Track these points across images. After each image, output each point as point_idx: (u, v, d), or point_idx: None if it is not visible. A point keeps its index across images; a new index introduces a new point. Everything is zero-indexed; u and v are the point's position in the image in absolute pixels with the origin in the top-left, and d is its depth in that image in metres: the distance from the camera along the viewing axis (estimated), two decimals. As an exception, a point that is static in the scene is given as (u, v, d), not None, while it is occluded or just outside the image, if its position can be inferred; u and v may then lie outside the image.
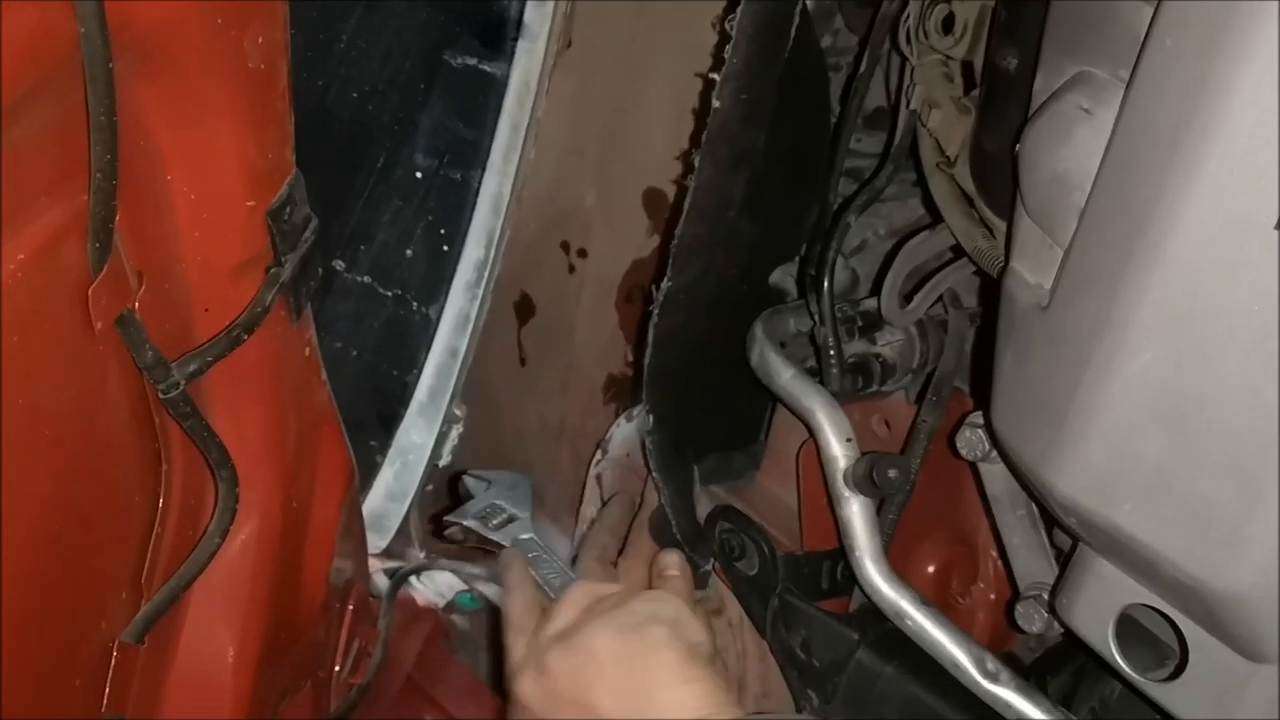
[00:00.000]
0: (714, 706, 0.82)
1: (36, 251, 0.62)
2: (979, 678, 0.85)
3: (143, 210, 0.72)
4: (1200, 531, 0.62)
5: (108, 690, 0.78)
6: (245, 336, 0.79)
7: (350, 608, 1.19)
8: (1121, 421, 0.64)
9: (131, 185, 0.68)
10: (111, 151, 0.62)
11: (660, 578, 0.99)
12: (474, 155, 1.22)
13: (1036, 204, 0.71)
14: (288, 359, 0.89)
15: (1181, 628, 0.68)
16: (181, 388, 0.75)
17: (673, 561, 1.00)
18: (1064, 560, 0.81)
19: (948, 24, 0.86)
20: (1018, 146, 0.72)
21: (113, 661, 0.78)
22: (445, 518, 1.13)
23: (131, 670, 0.81)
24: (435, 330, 1.31)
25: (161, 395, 0.75)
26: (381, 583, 1.42)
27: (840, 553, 0.93)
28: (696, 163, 0.92)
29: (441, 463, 1.42)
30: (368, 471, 1.39)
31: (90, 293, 0.66)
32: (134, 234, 0.72)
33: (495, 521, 1.10)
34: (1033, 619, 0.88)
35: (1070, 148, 0.67)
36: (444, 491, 1.47)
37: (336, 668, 1.19)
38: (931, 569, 1.05)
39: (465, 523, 1.09)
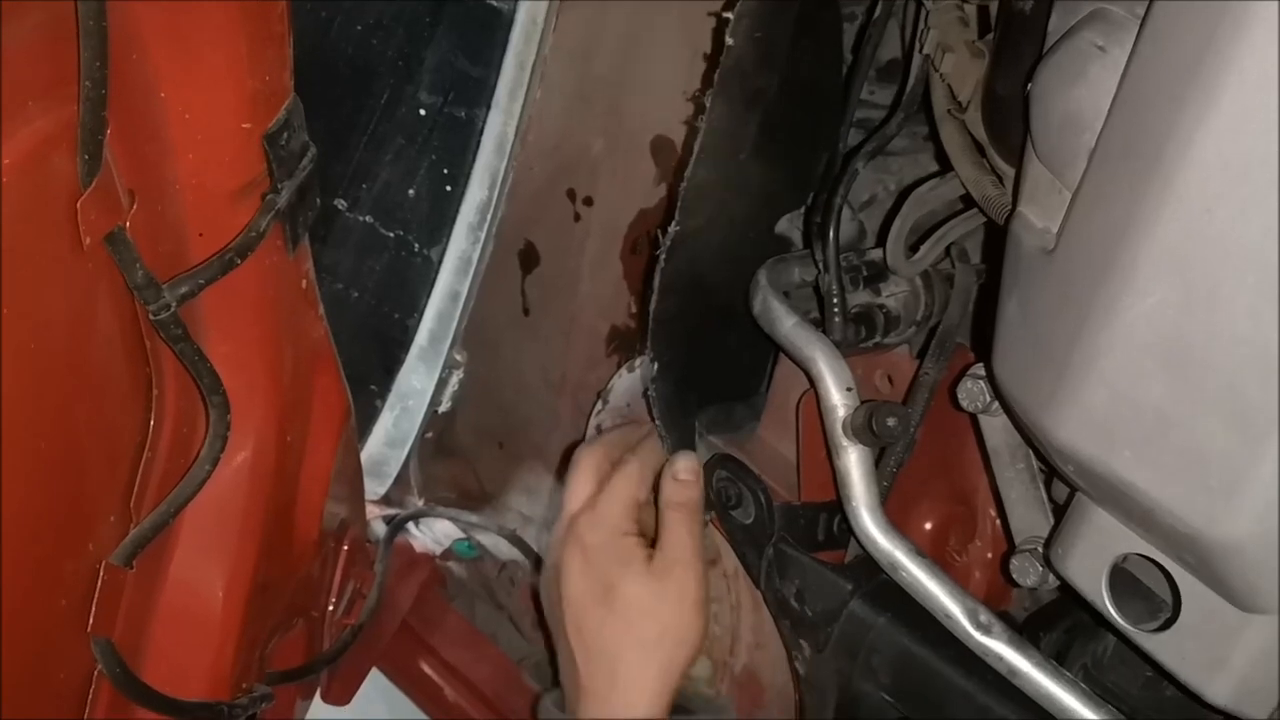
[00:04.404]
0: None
1: (24, 158, 0.61)
2: (971, 630, 0.84)
3: (136, 128, 0.71)
4: (1199, 480, 0.61)
5: (94, 611, 0.78)
6: (238, 261, 0.78)
7: (345, 548, 1.19)
8: (1124, 366, 0.63)
9: (124, 102, 0.67)
10: (101, 59, 0.61)
11: (675, 481, 0.99)
12: (479, 93, 1.20)
13: (1047, 145, 0.70)
14: (283, 289, 0.89)
15: (1175, 578, 0.67)
16: (173, 310, 0.74)
17: (690, 466, 1.00)
18: (1060, 514, 0.81)
19: (964, -35, 0.84)
20: (1029, 86, 0.71)
21: (100, 583, 0.78)
22: None
23: (119, 593, 0.81)
24: (437, 273, 1.30)
25: (152, 317, 0.74)
26: (379, 529, 1.42)
27: (837, 506, 0.93)
28: (708, 103, 0.91)
29: (441, 409, 1.42)
30: (367, 416, 1.38)
31: (79, 205, 0.65)
32: (127, 152, 0.71)
33: None
34: (1027, 572, 0.87)
35: (1083, 86, 0.65)
36: (443, 439, 1.47)
37: (330, 607, 1.20)
38: (929, 526, 1.04)
39: None
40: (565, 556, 0.94)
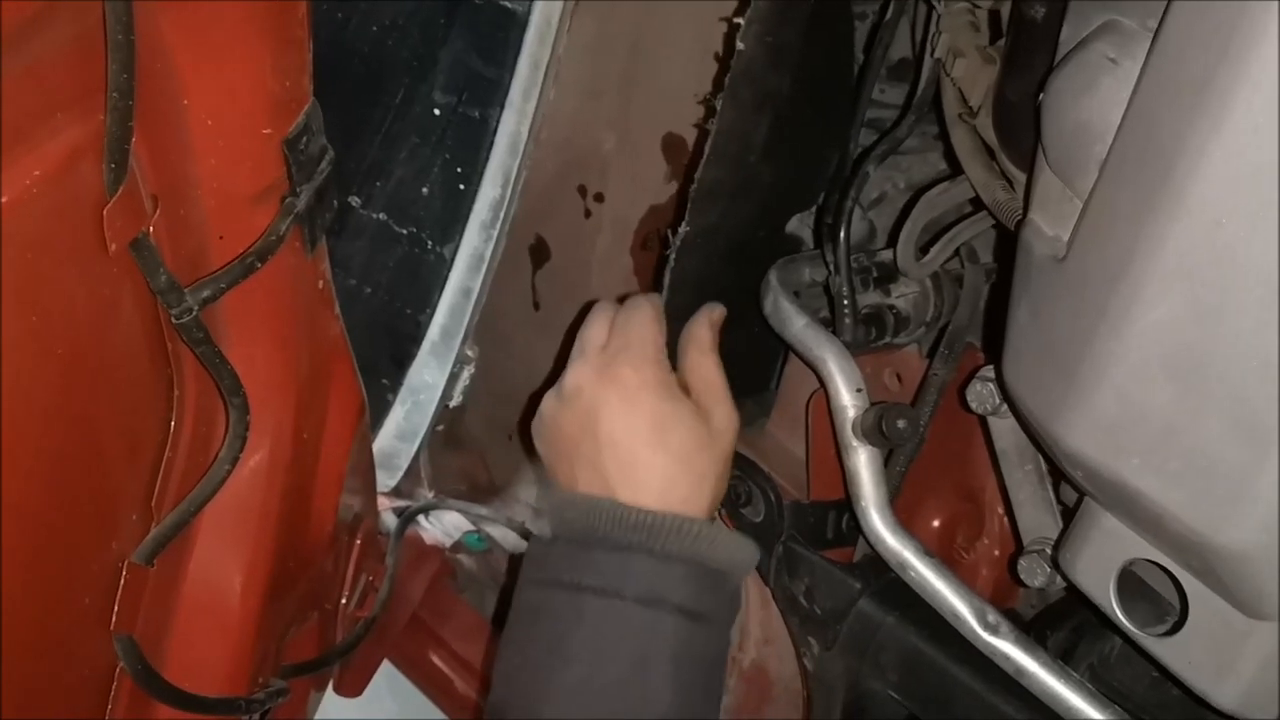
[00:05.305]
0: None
1: (53, 168, 0.61)
2: (979, 629, 0.85)
3: (159, 134, 0.72)
4: (1206, 487, 0.62)
5: (116, 609, 0.79)
6: (259, 265, 0.79)
7: (358, 542, 1.20)
8: (1133, 374, 0.64)
9: (148, 109, 0.68)
10: (129, 70, 0.61)
11: (700, 325, 0.94)
12: (493, 93, 1.21)
13: (1058, 154, 0.70)
14: (301, 290, 0.89)
15: (1183, 583, 0.68)
16: (195, 313, 0.75)
17: (715, 315, 0.96)
18: (1068, 516, 0.81)
19: (976, -29, 0.85)
20: (1041, 96, 0.71)
21: (122, 581, 0.79)
22: None
23: (141, 592, 0.82)
24: (449, 269, 1.30)
25: (175, 320, 0.75)
26: (390, 521, 1.43)
27: (846, 503, 0.94)
28: (719, 106, 0.92)
29: (452, 403, 1.43)
30: (379, 410, 1.39)
31: (105, 213, 0.66)
32: (150, 158, 0.71)
33: None
34: (1035, 573, 0.88)
35: (1094, 97, 0.66)
36: (454, 431, 1.48)
37: (343, 600, 1.21)
38: (937, 523, 1.05)
39: None
40: (603, 394, 0.87)
